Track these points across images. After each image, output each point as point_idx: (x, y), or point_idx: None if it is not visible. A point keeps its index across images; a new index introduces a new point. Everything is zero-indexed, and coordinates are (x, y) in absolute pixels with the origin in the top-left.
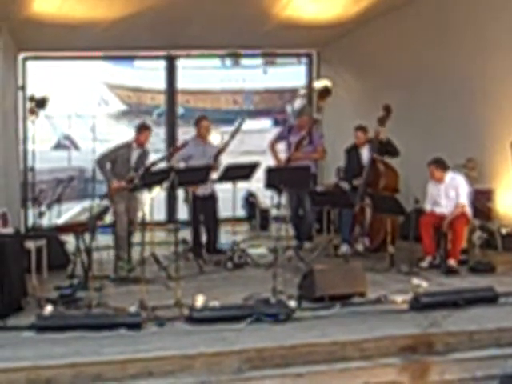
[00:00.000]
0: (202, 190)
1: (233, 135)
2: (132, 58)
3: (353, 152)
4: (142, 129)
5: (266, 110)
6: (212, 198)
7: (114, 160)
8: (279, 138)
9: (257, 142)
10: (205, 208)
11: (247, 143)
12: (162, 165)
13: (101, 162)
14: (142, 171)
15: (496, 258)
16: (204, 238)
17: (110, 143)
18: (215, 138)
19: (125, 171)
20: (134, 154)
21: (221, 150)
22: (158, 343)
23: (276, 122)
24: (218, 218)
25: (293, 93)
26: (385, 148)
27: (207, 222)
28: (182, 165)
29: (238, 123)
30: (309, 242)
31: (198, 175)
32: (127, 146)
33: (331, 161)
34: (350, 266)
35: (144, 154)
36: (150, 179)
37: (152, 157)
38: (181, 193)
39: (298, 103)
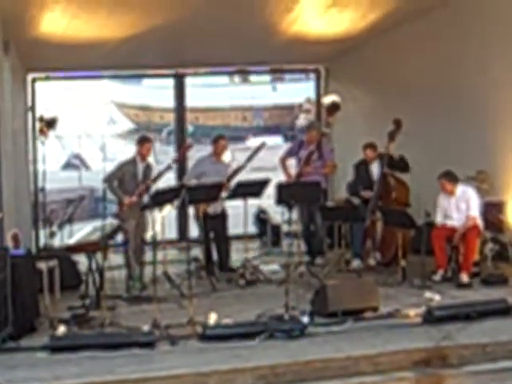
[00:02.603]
0: (212, 208)
1: (250, 158)
2: (140, 77)
3: (362, 167)
4: (143, 141)
5: (276, 127)
6: (222, 216)
7: (121, 177)
8: (289, 153)
9: (267, 158)
10: (215, 226)
11: (258, 159)
12: (171, 180)
13: (109, 180)
14: (151, 183)
15: (508, 270)
16: (215, 256)
17: (116, 162)
18: (226, 155)
19: (133, 187)
20: (140, 169)
21: (236, 172)
22: (172, 362)
23: (286, 139)
24: (228, 235)
25: (298, 108)
26: (396, 163)
27: (218, 240)
28: (193, 182)
29: (257, 147)
30: (320, 257)
31: (209, 193)
32: (132, 162)
33: (341, 175)
34: (362, 280)
35: (148, 168)
36: (161, 198)
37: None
38: (191, 210)
39: (302, 118)
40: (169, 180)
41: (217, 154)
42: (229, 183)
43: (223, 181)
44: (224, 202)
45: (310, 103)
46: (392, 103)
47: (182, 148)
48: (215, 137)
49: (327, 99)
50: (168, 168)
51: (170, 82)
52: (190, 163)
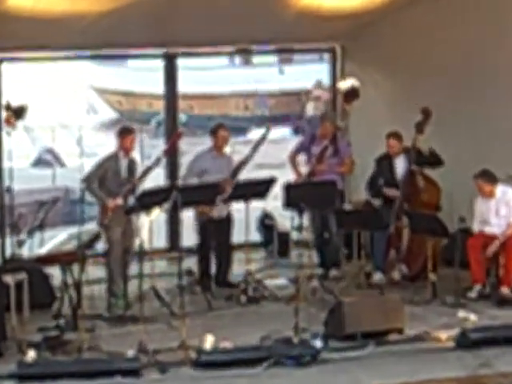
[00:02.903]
0: (217, 211)
1: (255, 148)
2: (124, 58)
3: (385, 162)
4: (124, 133)
5: (284, 116)
6: (228, 222)
7: (102, 176)
8: (300, 148)
9: (273, 153)
10: (218, 233)
11: (262, 155)
12: (160, 179)
13: (89, 179)
14: (138, 181)
15: None
16: (213, 268)
17: (98, 157)
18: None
19: (117, 187)
20: (123, 165)
21: (241, 165)
22: None
23: (296, 131)
24: (231, 244)
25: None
26: (425, 159)
27: (219, 250)
28: (194, 181)
29: (262, 134)
30: (336, 270)
31: (205, 194)
32: (113, 158)
33: (360, 174)
34: (385, 297)
35: (132, 164)
36: (149, 199)
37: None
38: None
39: (311, 107)
40: (158, 178)
41: (218, 147)
42: (233, 180)
43: (223, 179)
44: (230, 205)
45: (320, 88)
46: (419, 89)
47: (172, 137)
48: (214, 127)
49: (344, 84)
50: (157, 162)
51: (159, 63)
52: (185, 158)
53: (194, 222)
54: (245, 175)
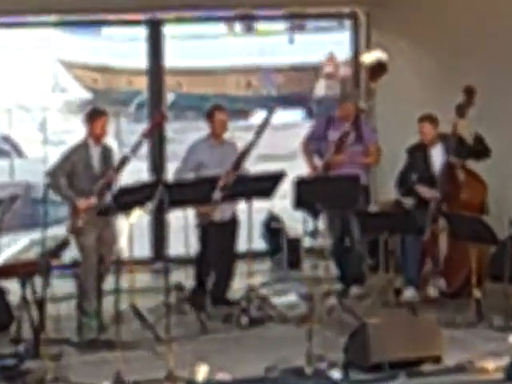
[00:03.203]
0: (220, 212)
1: (258, 134)
2: (99, 25)
3: (418, 153)
4: (94, 116)
5: (294, 97)
6: (232, 225)
7: (71, 170)
8: (314, 135)
9: (281, 141)
10: (221, 239)
11: (267, 144)
12: (142, 173)
13: (54, 174)
14: (115, 174)
15: None
16: (210, 282)
17: (66, 146)
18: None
19: (89, 183)
20: (95, 155)
21: (243, 155)
22: None
23: (310, 114)
24: (235, 252)
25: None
26: (469, 148)
27: (219, 259)
28: (190, 176)
29: (265, 116)
30: (358, 285)
31: (198, 191)
32: (83, 147)
33: (389, 167)
34: (419, 319)
35: (107, 152)
36: (129, 198)
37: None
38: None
39: (322, 86)
40: (139, 172)
41: (215, 134)
42: (236, 172)
43: (227, 172)
44: (235, 205)
45: (332, 62)
46: (462, 64)
47: (153, 118)
48: (210, 109)
49: (368, 57)
50: (135, 148)
51: (142, 31)
52: (173, 147)
53: (195, 226)
54: (246, 169)
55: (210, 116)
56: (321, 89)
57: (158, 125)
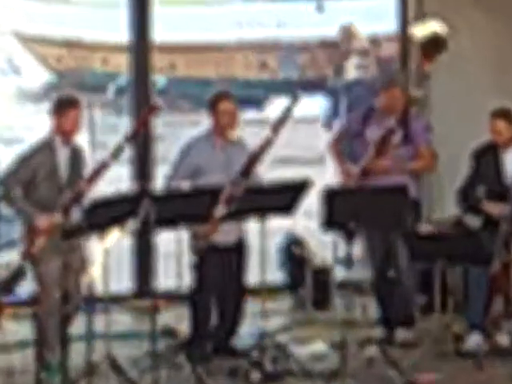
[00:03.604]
0: (223, 235)
1: (277, 128)
2: None
3: (487, 158)
4: (63, 107)
5: (323, 81)
6: (238, 251)
7: (30, 178)
8: (348, 132)
9: (304, 140)
10: (224, 268)
11: (287, 143)
12: (122, 181)
13: (8, 184)
14: (86, 185)
15: None
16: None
17: (24, 145)
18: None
19: (53, 195)
20: (62, 159)
21: (254, 158)
22: None
23: (336, 104)
24: (244, 286)
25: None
26: None
27: (224, 295)
28: (185, 186)
29: (287, 105)
30: (406, 329)
31: (195, 205)
32: (47, 147)
33: (447, 175)
34: (486, 374)
35: (77, 155)
36: (104, 215)
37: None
38: (161, 239)
39: (352, 66)
40: (119, 180)
41: (219, 130)
42: (245, 181)
43: (225, 181)
44: (242, 224)
45: (354, 37)
46: None
47: (141, 113)
48: (212, 97)
49: (421, 30)
50: (116, 153)
51: None
52: (163, 147)
53: (190, 250)
54: (258, 176)
55: (212, 106)
56: (351, 70)
57: (146, 123)
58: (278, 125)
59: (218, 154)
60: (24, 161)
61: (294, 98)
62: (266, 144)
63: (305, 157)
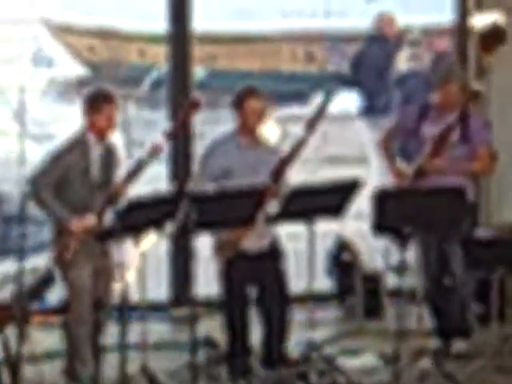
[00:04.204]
0: (253, 242)
1: (312, 125)
2: None
3: None
4: (98, 102)
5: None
6: (272, 257)
7: (61, 177)
8: (401, 129)
9: (352, 139)
10: (259, 276)
11: (333, 142)
12: (160, 181)
13: (39, 183)
14: (124, 185)
15: None
16: (255, 336)
17: (55, 143)
18: (271, 131)
19: (86, 196)
20: (95, 157)
21: (288, 159)
22: None
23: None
24: (287, 294)
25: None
26: None
27: (264, 304)
28: (210, 187)
29: (323, 100)
30: (463, 340)
31: (236, 208)
32: (80, 145)
33: (508, 177)
34: None
35: (110, 153)
36: (140, 217)
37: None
38: (201, 243)
39: (404, 58)
40: (157, 180)
41: (246, 128)
42: (277, 183)
43: (267, 183)
44: (273, 228)
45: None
46: None
47: (182, 110)
48: (239, 94)
49: (482, 20)
50: (153, 152)
51: None
52: (203, 145)
53: (216, 257)
54: (306, 175)
55: (238, 103)
56: (403, 62)
57: (187, 118)
58: (312, 123)
59: (245, 155)
60: (55, 160)
61: (329, 94)
62: (299, 145)
63: (353, 156)
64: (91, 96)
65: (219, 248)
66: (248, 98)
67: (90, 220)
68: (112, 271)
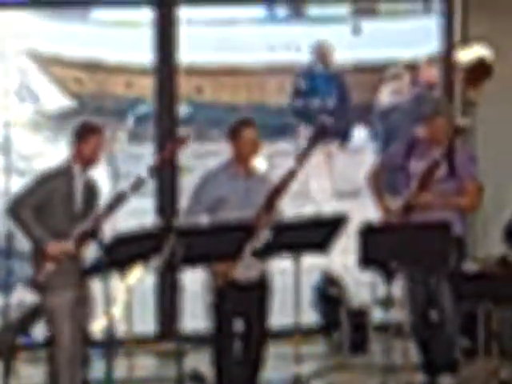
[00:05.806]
0: (243, 272)
1: (304, 156)
2: (86, 5)
3: None
4: (88, 132)
5: (362, 108)
6: (261, 288)
7: (43, 201)
8: (389, 164)
9: (341, 171)
10: (246, 307)
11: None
12: (146, 214)
13: (19, 205)
14: (105, 215)
15: None
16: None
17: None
18: (260, 164)
19: (66, 223)
20: (79, 187)
21: (280, 188)
22: None
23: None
24: (266, 328)
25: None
26: None
27: (248, 337)
28: (204, 220)
29: (316, 130)
30: (450, 374)
31: (223, 243)
32: (65, 173)
33: (493, 211)
34: None
35: (91, 188)
36: (126, 251)
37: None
38: (188, 277)
39: (386, 93)
40: (142, 214)
41: (241, 158)
42: (269, 213)
43: (259, 214)
44: (265, 261)
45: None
46: None
47: (169, 144)
48: (234, 125)
49: (467, 54)
50: (137, 185)
51: (147, 14)
52: (191, 180)
53: (206, 288)
54: (293, 209)
55: (234, 133)
56: (385, 96)
57: (173, 154)
58: (303, 156)
59: (239, 184)
60: (40, 182)
61: (320, 126)
62: (290, 176)
63: (341, 190)
64: (79, 127)
65: (211, 277)
66: (244, 127)
67: (67, 245)
68: (91, 303)
